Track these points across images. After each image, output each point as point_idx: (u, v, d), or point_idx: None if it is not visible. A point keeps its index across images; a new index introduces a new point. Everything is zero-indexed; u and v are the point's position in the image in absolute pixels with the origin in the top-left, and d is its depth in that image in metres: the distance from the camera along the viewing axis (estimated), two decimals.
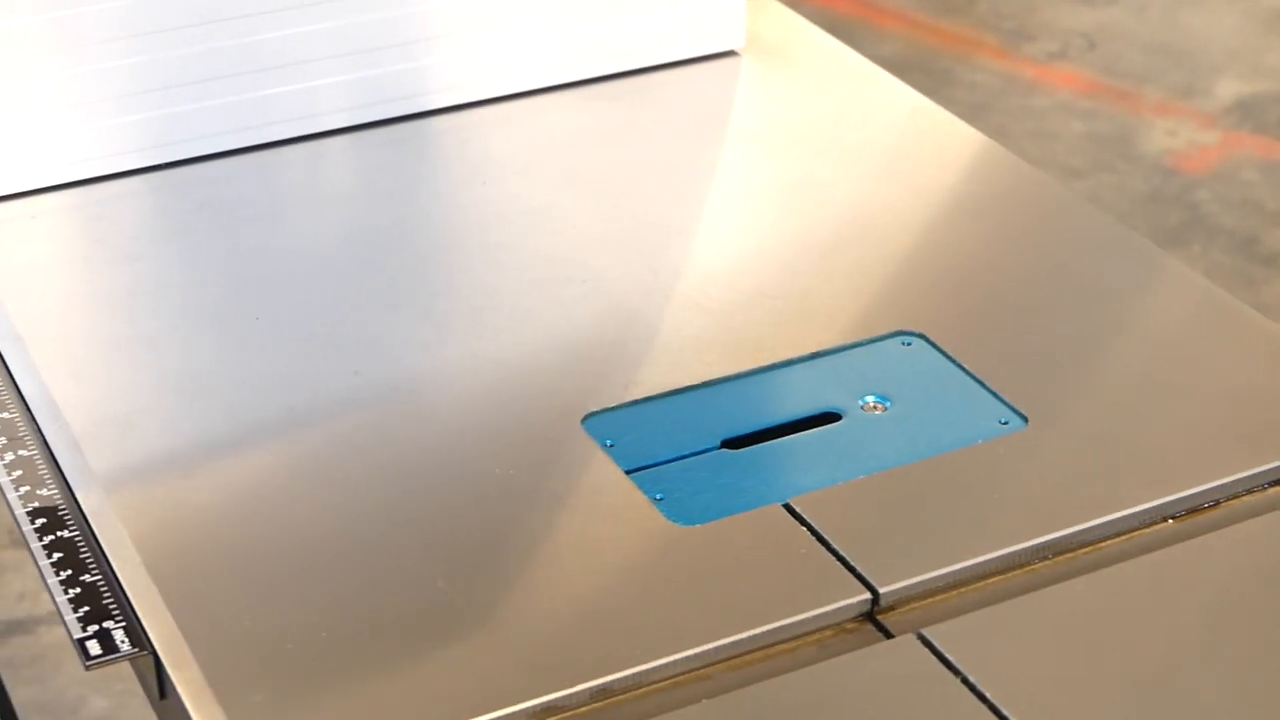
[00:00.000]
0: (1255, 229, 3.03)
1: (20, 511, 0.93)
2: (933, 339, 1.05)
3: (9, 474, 0.95)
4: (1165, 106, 3.50)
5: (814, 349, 1.04)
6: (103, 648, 0.85)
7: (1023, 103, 3.42)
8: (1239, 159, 3.31)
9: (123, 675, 2.50)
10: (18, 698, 2.42)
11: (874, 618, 0.88)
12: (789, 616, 0.87)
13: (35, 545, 0.91)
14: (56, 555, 0.90)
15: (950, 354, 1.03)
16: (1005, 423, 0.98)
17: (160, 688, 0.86)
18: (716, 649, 0.85)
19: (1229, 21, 3.77)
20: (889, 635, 0.87)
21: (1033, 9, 3.87)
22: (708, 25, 1.32)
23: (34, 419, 0.99)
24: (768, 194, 1.20)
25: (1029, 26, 3.81)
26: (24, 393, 1.00)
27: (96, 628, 0.86)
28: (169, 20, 1.17)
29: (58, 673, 2.44)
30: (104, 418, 0.99)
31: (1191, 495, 0.94)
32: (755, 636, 0.86)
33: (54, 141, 1.16)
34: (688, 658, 0.85)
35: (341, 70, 1.22)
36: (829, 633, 0.87)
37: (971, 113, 3.17)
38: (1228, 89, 3.52)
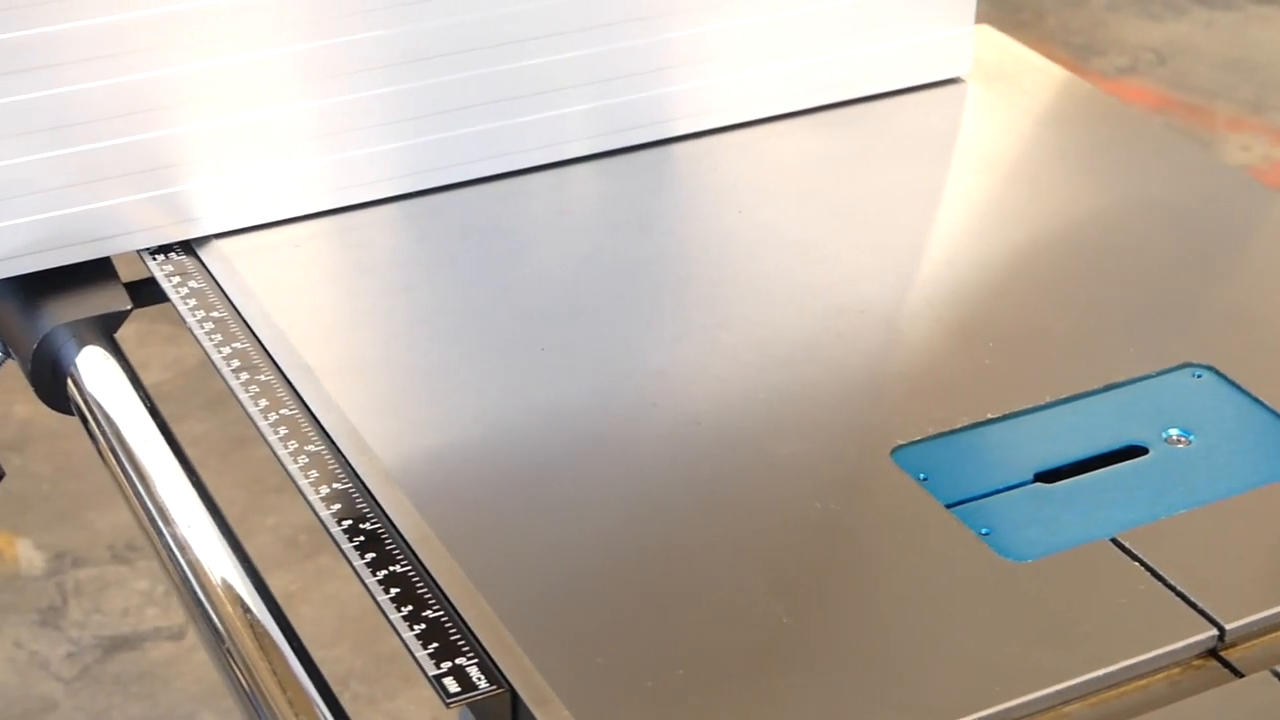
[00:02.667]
0: None
1: (347, 546, 0.92)
2: (1220, 370, 1.05)
3: (328, 507, 0.95)
4: (1238, 121, 3.51)
5: (1103, 382, 1.04)
6: (460, 685, 0.85)
7: None
8: None
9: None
10: (127, 713, 2.42)
11: (1218, 654, 0.88)
12: (1136, 654, 0.86)
13: (370, 581, 0.90)
14: (394, 590, 0.90)
15: (1243, 386, 1.03)
16: None
17: None
18: (1071, 687, 0.85)
19: None
20: (1237, 672, 0.87)
21: (1101, 24, 3.88)
22: (935, 52, 1.32)
23: (340, 452, 0.98)
24: (1019, 222, 1.20)
25: (1098, 41, 3.82)
26: (324, 425, 1.00)
27: (450, 664, 0.86)
28: (424, 50, 1.16)
29: (166, 689, 2.43)
30: (410, 451, 0.98)
31: None
32: (1109, 674, 0.86)
33: (313, 169, 1.16)
34: (1045, 696, 0.85)
35: (587, 98, 1.22)
36: (1176, 670, 0.87)
37: None
38: None
